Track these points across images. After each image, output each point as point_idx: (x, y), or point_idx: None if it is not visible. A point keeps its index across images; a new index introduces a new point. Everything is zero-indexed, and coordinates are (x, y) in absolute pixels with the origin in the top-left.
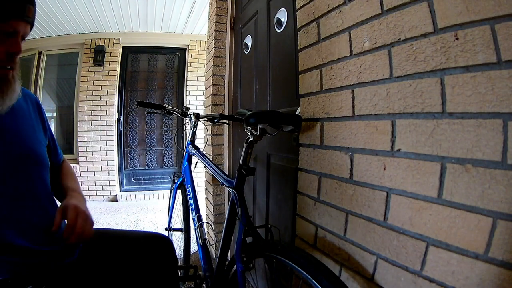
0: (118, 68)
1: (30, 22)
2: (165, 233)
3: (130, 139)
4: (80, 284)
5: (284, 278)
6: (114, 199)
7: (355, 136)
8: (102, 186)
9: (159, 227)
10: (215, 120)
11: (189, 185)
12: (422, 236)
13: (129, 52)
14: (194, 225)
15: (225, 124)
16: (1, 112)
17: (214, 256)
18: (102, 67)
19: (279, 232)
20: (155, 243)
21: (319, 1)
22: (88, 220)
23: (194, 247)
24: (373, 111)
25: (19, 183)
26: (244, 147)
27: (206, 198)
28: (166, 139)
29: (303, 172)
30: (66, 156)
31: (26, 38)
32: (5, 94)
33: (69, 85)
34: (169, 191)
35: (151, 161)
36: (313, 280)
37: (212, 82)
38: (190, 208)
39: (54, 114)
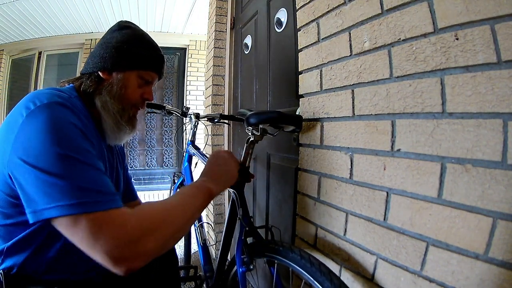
0: None
1: (160, 77)
2: None
3: (129, 139)
4: (81, 283)
5: (285, 279)
6: None
7: (355, 136)
8: None
9: None
10: (215, 120)
11: None
12: (422, 236)
13: None
14: (194, 225)
15: (225, 124)
16: (125, 140)
17: (214, 256)
18: None
19: (280, 233)
20: None
21: (319, 1)
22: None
23: (193, 247)
24: (373, 111)
25: None
26: (245, 147)
27: None
28: (166, 139)
29: (303, 172)
30: None
31: (26, 39)
32: (135, 128)
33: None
34: (169, 191)
35: (151, 161)
36: (316, 282)
37: (212, 82)
38: None
39: None
